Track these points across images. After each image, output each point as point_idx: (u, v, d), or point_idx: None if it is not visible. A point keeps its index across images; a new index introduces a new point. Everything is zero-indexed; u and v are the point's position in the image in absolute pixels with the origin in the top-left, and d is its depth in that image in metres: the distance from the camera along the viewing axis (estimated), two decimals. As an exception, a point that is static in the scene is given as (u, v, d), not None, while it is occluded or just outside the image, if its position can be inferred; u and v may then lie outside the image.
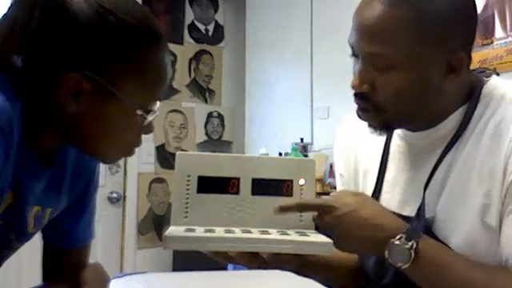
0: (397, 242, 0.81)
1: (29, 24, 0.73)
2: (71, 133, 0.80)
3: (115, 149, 0.83)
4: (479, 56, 2.33)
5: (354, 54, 0.89)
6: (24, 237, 0.87)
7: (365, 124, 0.92)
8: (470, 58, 0.88)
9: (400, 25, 0.82)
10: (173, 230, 0.81)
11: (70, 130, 0.79)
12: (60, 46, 0.74)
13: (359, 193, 0.91)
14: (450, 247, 0.85)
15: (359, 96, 0.88)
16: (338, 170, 1.12)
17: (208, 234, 0.79)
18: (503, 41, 2.28)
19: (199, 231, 0.81)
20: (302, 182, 0.89)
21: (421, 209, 0.88)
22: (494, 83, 0.91)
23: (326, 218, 0.84)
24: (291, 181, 0.89)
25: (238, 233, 0.81)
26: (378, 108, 0.87)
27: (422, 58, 0.83)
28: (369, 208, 0.85)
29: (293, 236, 0.82)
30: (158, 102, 0.83)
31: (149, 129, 0.84)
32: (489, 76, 0.93)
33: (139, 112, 0.79)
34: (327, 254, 0.83)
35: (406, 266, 0.80)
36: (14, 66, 0.75)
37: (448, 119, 0.90)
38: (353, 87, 0.88)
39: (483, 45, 2.35)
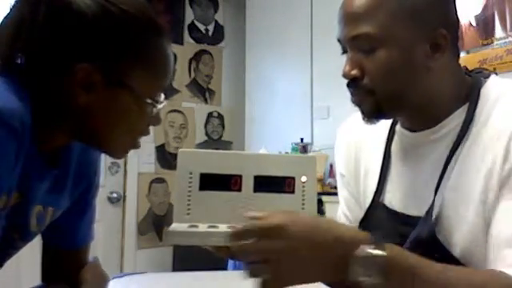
0: (362, 255, 0.68)
1: (35, 20, 0.74)
2: (82, 126, 0.80)
3: (124, 140, 0.83)
4: (479, 56, 2.33)
5: (344, 50, 0.92)
6: (28, 236, 0.87)
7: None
8: (456, 38, 0.91)
9: (379, 3, 0.86)
10: (175, 226, 0.81)
11: (80, 123, 0.79)
12: (67, 40, 0.75)
13: (286, 211, 0.76)
14: (453, 243, 0.85)
15: (352, 84, 0.90)
16: (338, 170, 1.12)
17: (210, 229, 0.79)
18: (503, 41, 2.28)
19: (202, 227, 0.81)
20: (304, 179, 0.89)
21: (429, 212, 0.87)
22: (491, 83, 0.92)
23: (269, 245, 0.69)
24: (293, 178, 0.89)
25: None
26: (368, 91, 0.89)
27: (404, 35, 0.86)
28: (313, 221, 0.72)
29: None
30: (162, 94, 0.84)
31: (157, 120, 0.85)
32: (487, 76, 0.94)
33: (149, 101, 0.80)
34: None
35: (376, 279, 0.68)
36: (20, 66, 0.76)
37: (448, 119, 0.91)
38: (344, 75, 0.89)
39: (483, 45, 2.35)
